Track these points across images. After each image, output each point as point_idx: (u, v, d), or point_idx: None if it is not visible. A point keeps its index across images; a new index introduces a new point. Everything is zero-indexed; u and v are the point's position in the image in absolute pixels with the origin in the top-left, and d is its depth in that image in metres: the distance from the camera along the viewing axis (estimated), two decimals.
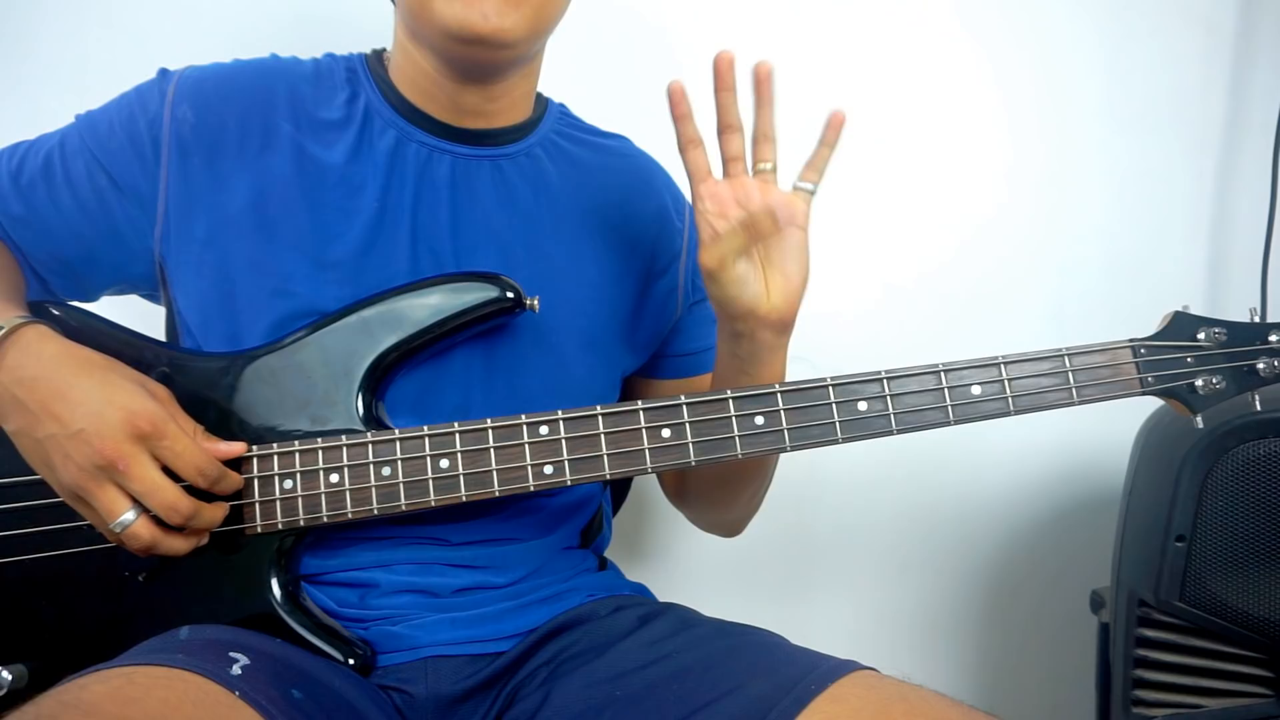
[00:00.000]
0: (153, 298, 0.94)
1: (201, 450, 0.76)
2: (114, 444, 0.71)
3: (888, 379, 0.79)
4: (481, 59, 0.84)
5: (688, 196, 1.00)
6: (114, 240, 0.86)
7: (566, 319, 0.90)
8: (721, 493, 0.98)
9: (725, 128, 0.82)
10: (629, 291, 0.94)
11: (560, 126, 0.97)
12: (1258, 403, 0.84)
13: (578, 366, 0.91)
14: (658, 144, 1.02)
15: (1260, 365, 0.82)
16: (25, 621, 0.79)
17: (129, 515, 0.72)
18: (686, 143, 0.83)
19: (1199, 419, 0.83)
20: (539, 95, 0.97)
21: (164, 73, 0.89)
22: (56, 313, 0.83)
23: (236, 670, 0.68)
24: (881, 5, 1.35)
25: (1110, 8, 1.39)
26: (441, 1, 0.79)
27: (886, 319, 1.38)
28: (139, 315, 0.93)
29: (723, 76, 0.81)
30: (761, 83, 0.81)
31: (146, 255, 0.87)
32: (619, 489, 1.12)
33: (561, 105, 0.99)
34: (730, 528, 1.06)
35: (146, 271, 0.89)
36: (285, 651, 0.76)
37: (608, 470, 0.79)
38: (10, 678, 0.77)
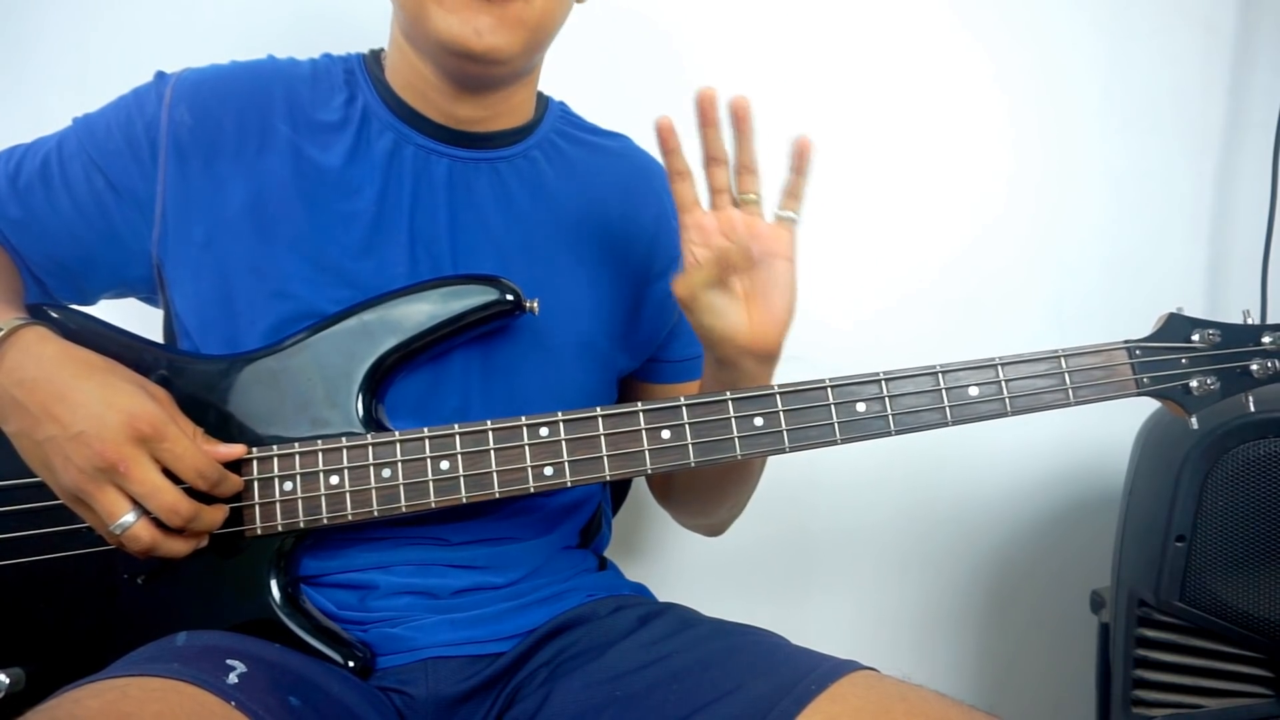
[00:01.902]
0: (151, 300, 0.94)
1: (202, 453, 0.76)
2: (114, 446, 0.71)
3: (886, 380, 0.79)
4: (475, 73, 0.85)
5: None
6: (112, 243, 0.86)
7: (564, 320, 0.90)
8: (710, 494, 0.98)
9: (710, 160, 0.83)
10: (626, 293, 0.94)
11: (561, 126, 0.97)
12: (1251, 404, 0.84)
13: (575, 368, 0.91)
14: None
15: (1254, 366, 0.83)
16: (23, 624, 0.79)
17: (129, 517, 0.72)
18: (674, 175, 0.84)
19: (1194, 420, 0.83)
20: (539, 94, 0.97)
21: (161, 75, 0.89)
22: (55, 315, 0.83)
23: (233, 679, 0.67)
24: (881, 5, 1.35)
25: (1110, 8, 1.39)
26: (438, 14, 0.79)
27: (885, 320, 1.38)
28: (137, 318, 0.92)
29: (705, 113, 0.81)
30: (740, 120, 0.81)
31: (144, 258, 0.87)
32: (619, 489, 1.12)
33: (562, 104, 0.99)
34: (713, 529, 1.08)
35: (144, 274, 0.89)
36: (283, 657, 0.76)
37: (608, 472, 0.79)
38: (8, 681, 0.77)
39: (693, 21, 1.32)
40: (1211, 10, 1.41)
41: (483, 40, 0.79)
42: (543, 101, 0.97)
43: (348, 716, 0.74)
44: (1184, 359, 0.83)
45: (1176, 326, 0.84)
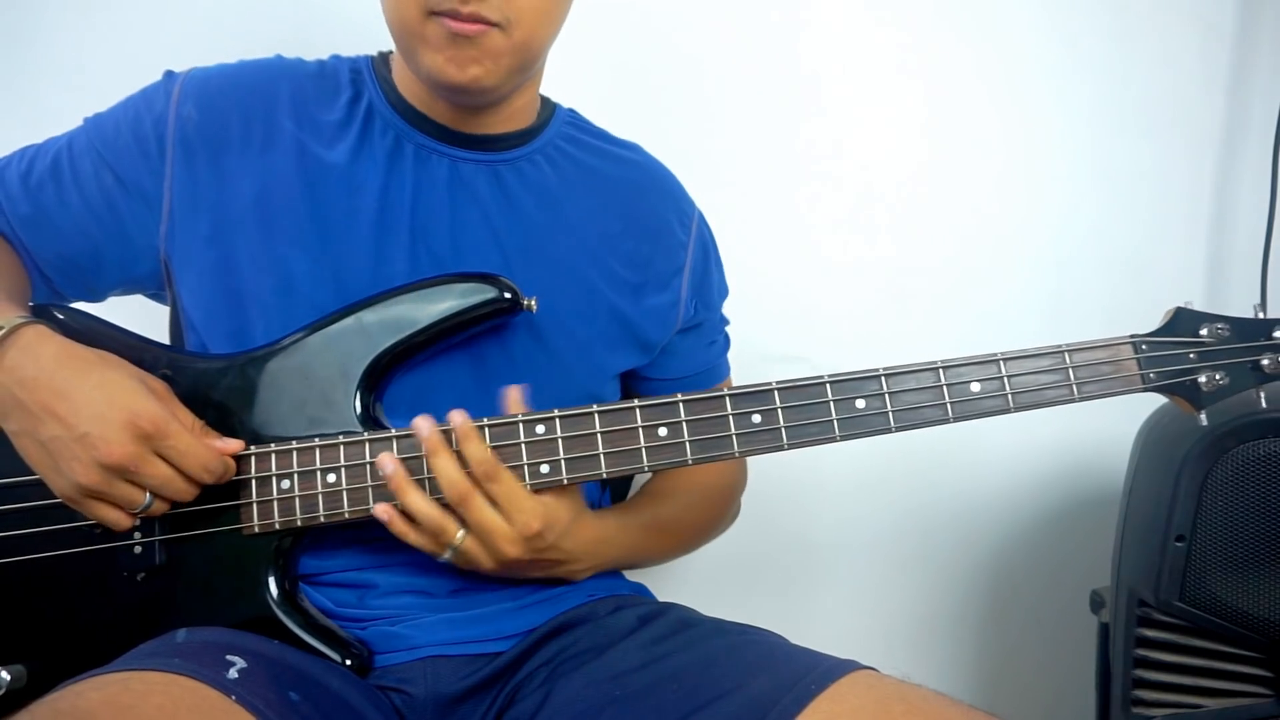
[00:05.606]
0: (159, 297, 0.95)
1: (206, 447, 0.77)
2: (120, 447, 0.72)
3: (886, 376, 0.79)
4: (468, 102, 0.87)
5: (700, 206, 1.01)
6: (120, 239, 0.87)
7: (564, 322, 0.90)
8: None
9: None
10: (627, 299, 0.94)
11: (569, 132, 0.97)
12: (1263, 400, 0.83)
13: (575, 369, 0.91)
14: (669, 152, 1.02)
15: (1265, 361, 0.81)
16: (24, 621, 0.79)
17: (147, 498, 0.75)
18: None
19: (1203, 415, 0.82)
20: (546, 100, 0.97)
21: (170, 74, 0.90)
22: (60, 316, 0.84)
23: (233, 674, 0.68)
24: (881, 6, 1.35)
25: (1110, 7, 1.39)
26: (424, 53, 0.81)
27: (883, 318, 1.38)
28: (143, 315, 0.93)
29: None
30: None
31: (152, 254, 0.88)
32: (618, 489, 1.12)
33: (571, 111, 0.99)
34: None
35: (152, 270, 0.89)
36: (283, 653, 0.76)
37: (604, 469, 0.79)
38: (9, 678, 0.77)
39: (694, 26, 1.31)
40: (1211, 10, 1.41)
41: (466, 74, 0.81)
42: (549, 106, 0.97)
43: (347, 713, 0.74)
44: (1192, 354, 0.81)
45: (1184, 321, 0.82)
